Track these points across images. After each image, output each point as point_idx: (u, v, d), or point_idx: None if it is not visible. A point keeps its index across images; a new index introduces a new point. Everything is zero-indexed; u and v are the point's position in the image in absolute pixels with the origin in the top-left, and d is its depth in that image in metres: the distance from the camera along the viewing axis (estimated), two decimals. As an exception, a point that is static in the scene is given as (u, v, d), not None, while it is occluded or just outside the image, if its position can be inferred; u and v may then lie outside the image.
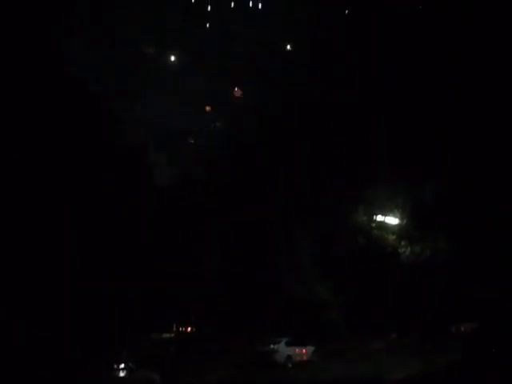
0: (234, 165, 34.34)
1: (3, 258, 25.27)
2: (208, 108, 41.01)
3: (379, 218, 32.65)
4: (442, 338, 28.00)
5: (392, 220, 32.48)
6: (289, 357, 25.73)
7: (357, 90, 31.69)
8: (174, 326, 34.24)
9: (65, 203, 26.96)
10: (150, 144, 34.02)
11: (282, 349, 25.86)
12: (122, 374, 21.22)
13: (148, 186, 31.35)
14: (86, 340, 25.85)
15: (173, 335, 33.18)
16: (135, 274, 28.93)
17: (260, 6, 33.19)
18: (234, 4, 36.35)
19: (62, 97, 27.25)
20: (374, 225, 32.63)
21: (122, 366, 21.25)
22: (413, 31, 32.19)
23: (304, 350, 26.86)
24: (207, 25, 39.60)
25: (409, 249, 32.01)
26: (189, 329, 34.48)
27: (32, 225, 26.07)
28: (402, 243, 32.31)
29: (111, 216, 28.30)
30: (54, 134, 27.11)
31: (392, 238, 32.39)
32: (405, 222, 32.32)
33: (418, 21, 32.88)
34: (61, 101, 27.16)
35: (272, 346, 25.87)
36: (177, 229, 31.24)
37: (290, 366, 25.57)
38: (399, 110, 31.45)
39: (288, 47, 36.70)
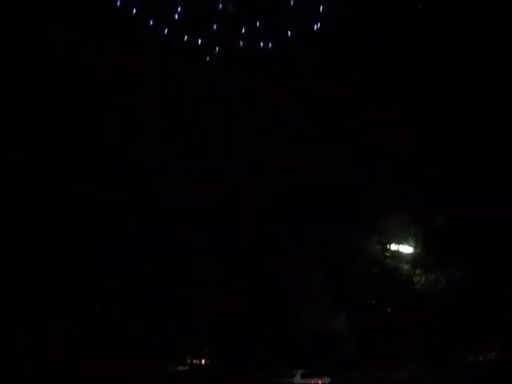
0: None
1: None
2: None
3: (393, 246, 32.56)
4: (460, 367, 27.64)
5: (406, 249, 32.39)
6: (304, 388, 25.60)
7: (368, 120, 31.80)
8: (188, 358, 34.01)
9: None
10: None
11: (298, 380, 25.59)
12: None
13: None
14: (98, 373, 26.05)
15: (187, 368, 32.94)
16: (149, 306, 29.04)
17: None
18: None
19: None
20: (387, 254, 32.47)
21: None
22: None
23: (320, 382, 26.56)
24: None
25: (424, 277, 31.84)
26: (203, 361, 34.22)
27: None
28: (417, 272, 32.17)
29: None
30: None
31: (406, 266, 32.22)
32: (419, 250, 32.23)
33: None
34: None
35: (288, 378, 25.68)
36: (192, 263, 31.36)
37: (306, 397, 25.39)
38: (412, 140, 31.63)
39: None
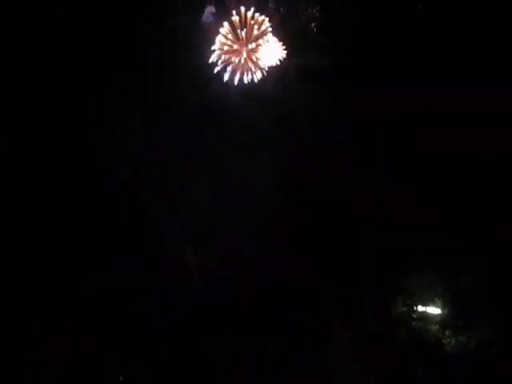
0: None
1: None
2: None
3: (420, 308, 31.81)
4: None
5: (433, 310, 31.58)
6: None
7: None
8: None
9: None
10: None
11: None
12: None
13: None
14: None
15: None
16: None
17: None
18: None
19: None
20: (414, 316, 31.66)
21: None
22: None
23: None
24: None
25: (454, 339, 30.79)
26: None
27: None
28: (447, 333, 31.14)
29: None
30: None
31: (435, 328, 31.28)
32: (447, 311, 31.42)
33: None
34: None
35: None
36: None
37: None
38: (434, 201, 31.64)
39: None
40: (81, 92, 31.59)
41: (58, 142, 31.53)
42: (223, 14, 30.76)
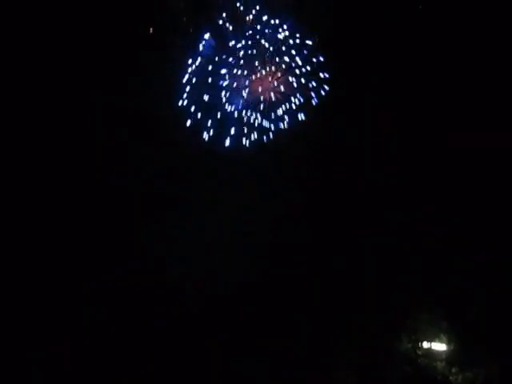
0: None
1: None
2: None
3: (425, 344, 31.32)
4: None
5: (439, 346, 31.09)
6: None
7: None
8: None
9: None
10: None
11: None
12: None
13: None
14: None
15: None
16: None
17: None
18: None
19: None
20: (420, 352, 31.18)
21: None
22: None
23: None
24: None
25: (460, 376, 30.21)
26: None
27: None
28: (453, 370, 30.57)
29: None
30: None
31: (441, 365, 30.73)
32: (453, 346, 30.91)
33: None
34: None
35: None
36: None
37: None
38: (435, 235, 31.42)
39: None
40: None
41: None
42: (221, 48, 30.99)
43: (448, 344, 31.00)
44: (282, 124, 31.18)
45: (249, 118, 30.65)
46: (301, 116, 31.06)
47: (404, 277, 31.22)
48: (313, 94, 31.23)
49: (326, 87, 31.36)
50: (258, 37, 30.94)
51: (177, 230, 31.31)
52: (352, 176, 31.82)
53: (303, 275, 32.03)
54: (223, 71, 30.77)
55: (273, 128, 31.11)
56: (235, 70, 30.79)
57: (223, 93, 30.68)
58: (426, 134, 32.15)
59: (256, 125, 30.44)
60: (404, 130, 31.84)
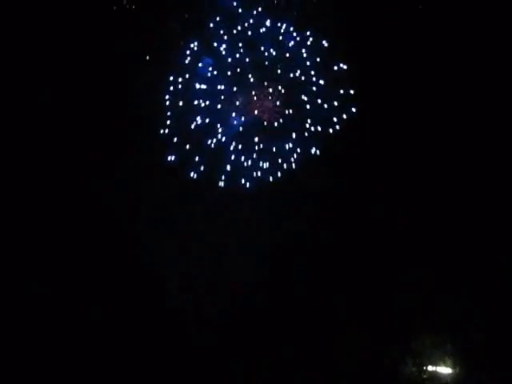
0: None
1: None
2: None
3: (430, 368, 31.05)
4: None
5: (444, 369, 30.86)
6: None
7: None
8: None
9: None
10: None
11: None
12: None
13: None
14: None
15: None
16: None
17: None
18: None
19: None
20: (425, 376, 30.91)
21: None
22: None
23: None
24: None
25: (466, 399, 30.21)
26: None
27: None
28: (458, 394, 30.56)
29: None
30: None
31: (446, 388, 30.70)
32: (457, 370, 30.69)
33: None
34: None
35: None
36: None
37: None
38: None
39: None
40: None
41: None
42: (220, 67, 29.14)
43: (453, 367, 30.75)
44: (291, 158, 27.27)
45: (248, 150, 27.20)
46: (314, 149, 27.51)
47: (409, 300, 30.99)
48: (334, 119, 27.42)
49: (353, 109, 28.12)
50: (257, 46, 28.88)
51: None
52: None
53: (306, 299, 31.60)
54: (219, 91, 28.81)
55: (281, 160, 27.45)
56: (234, 88, 29.07)
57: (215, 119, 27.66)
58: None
59: (258, 159, 26.93)
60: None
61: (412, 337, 30.67)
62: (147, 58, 29.27)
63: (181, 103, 28.29)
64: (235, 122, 27.91)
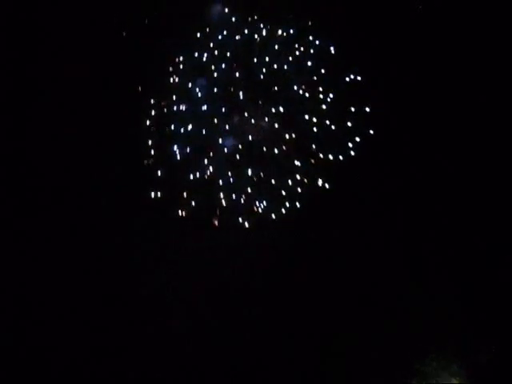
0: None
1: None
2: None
3: (436, 389, 30.64)
4: None
5: (450, 390, 30.49)
6: None
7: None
8: None
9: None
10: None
11: None
12: None
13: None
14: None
15: None
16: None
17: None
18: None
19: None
20: (430, 397, 30.56)
21: None
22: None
23: None
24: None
25: (473, 421, 29.96)
26: None
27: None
28: (466, 416, 30.29)
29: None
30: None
31: (453, 410, 30.37)
32: (463, 391, 30.32)
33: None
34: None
35: None
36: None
37: None
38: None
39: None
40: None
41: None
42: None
43: (459, 388, 30.46)
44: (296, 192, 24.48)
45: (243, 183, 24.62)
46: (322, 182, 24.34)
47: (413, 321, 30.15)
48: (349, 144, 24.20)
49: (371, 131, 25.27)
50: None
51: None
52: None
53: (304, 318, 30.62)
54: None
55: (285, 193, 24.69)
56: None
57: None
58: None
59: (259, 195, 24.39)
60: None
61: (417, 358, 29.95)
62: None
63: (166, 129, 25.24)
64: (226, 150, 24.99)
